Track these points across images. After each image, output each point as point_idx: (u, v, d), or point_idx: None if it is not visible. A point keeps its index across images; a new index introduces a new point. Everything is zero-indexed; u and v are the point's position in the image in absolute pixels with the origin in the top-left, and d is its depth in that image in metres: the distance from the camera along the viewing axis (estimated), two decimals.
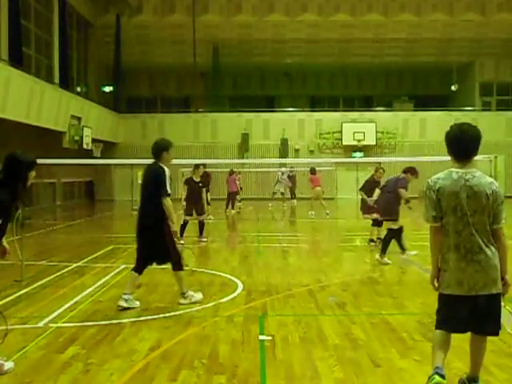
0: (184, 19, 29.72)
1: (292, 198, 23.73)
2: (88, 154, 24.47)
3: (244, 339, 5.09)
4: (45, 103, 19.86)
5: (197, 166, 12.11)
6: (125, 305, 6.14)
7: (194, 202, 11.93)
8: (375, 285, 7.55)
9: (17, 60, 18.80)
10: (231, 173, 20.04)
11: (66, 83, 23.51)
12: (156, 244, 6.28)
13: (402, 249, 9.47)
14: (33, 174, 4.37)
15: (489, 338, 5.02)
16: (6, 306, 6.38)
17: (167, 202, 6.16)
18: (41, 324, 5.58)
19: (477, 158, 8.39)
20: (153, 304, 6.47)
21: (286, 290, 7.18)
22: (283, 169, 23.49)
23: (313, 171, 19.77)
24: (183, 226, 11.88)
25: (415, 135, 30.82)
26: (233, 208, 19.68)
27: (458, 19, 30.65)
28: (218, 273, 8.40)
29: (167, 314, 5.98)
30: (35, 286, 7.49)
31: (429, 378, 3.62)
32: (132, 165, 25.46)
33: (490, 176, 8.49)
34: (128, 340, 5.07)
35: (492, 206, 3.60)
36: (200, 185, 12.03)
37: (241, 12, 30.27)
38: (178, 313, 6.04)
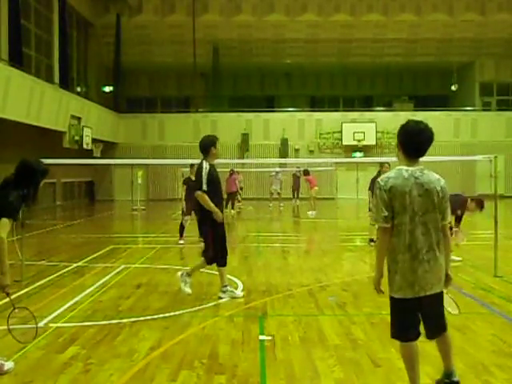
0: (184, 19, 29.73)
1: (294, 198, 23.75)
2: (88, 153, 24.47)
3: (244, 339, 5.09)
4: (45, 103, 19.86)
5: (192, 166, 12.13)
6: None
7: (193, 202, 11.91)
8: None
9: (17, 60, 18.80)
10: (231, 173, 20.07)
11: (66, 83, 23.51)
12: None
13: None
14: (43, 181, 4.56)
15: (490, 338, 5.05)
16: (6, 305, 6.39)
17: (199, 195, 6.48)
18: (41, 324, 5.58)
19: (477, 157, 8.51)
20: (153, 304, 6.46)
21: (286, 290, 7.18)
22: (277, 169, 23.47)
23: (306, 173, 19.88)
24: (183, 226, 11.92)
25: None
26: (233, 208, 19.70)
27: (458, 19, 30.66)
28: None
29: (167, 314, 5.98)
30: (35, 286, 7.49)
31: None
32: (132, 165, 25.50)
33: (491, 176, 8.46)
34: (128, 340, 5.07)
35: (441, 203, 3.56)
36: None
37: (241, 12, 30.28)
38: (177, 313, 6.04)
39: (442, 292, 3.63)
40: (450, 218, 3.69)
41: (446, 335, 3.74)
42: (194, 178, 11.97)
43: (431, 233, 3.52)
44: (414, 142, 3.62)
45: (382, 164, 11.59)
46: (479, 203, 8.81)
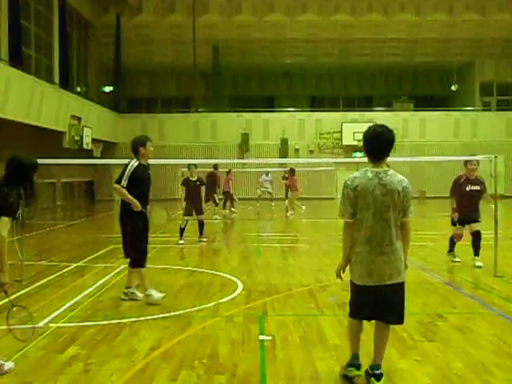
0: (184, 19, 29.73)
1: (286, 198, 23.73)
2: (88, 153, 24.47)
3: (244, 339, 5.09)
4: (45, 103, 19.86)
5: (189, 166, 12.23)
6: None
7: (193, 202, 11.96)
8: None
9: (17, 60, 18.80)
10: (228, 172, 20.04)
11: (66, 83, 23.51)
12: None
13: None
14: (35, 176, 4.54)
15: (490, 338, 5.05)
16: (6, 306, 6.38)
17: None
18: (41, 324, 5.58)
19: (477, 157, 8.54)
20: (153, 304, 6.45)
21: (286, 290, 7.18)
22: (268, 169, 23.40)
23: (293, 173, 19.93)
24: (182, 227, 11.98)
25: (415, 135, 30.83)
26: (233, 207, 19.63)
27: (458, 19, 30.67)
28: (218, 273, 8.40)
29: (167, 314, 5.98)
30: (35, 286, 7.49)
31: (346, 368, 4.08)
32: None
33: (491, 176, 8.43)
34: (128, 340, 5.07)
35: (402, 202, 3.86)
36: (197, 183, 12.05)
37: (241, 12, 30.28)
38: (177, 313, 6.04)
39: (402, 283, 3.93)
40: (412, 216, 3.98)
41: (387, 328, 4.00)
42: (192, 179, 12.03)
43: (391, 228, 3.85)
44: (373, 146, 3.97)
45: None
46: None
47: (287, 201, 23.06)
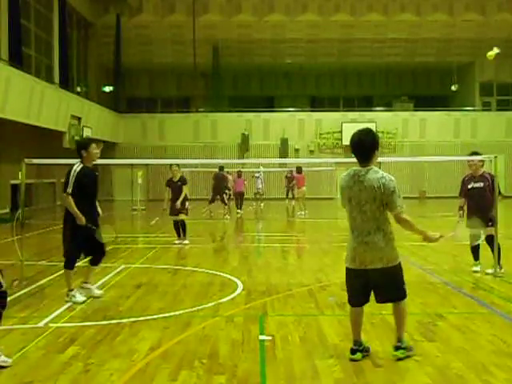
0: (184, 19, 29.74)
1: (287, 198, 23.77)
2: None
3: (244, 339, 5.08)
4: (45, 103, 19.87)
5: (170, 167, 12.04)
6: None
7: (175, 202, 11.68)
8: None
9: (17, 60, 18.80)
10: (239, 174, 19.93)
11: (66, 83, 23.52)
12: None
13: None
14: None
15: (490, 338, 5.06)
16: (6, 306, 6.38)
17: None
18: (41, 324, 5.58)
19: (477, 157, 8.60)
20: (153, 304, 6.46)
21: (286, 290, 7.18)
22: (261, 168, 23.38)
23: (299, 170, 19.83)
24: (176, 226, 11.82)
25: (415, 135, 30.83)
26: (240, 208, 19.55)
27: (458, 19, 30.67)
28: (218, 273, 8.40)
29: (167, 314, 5.98)
30: (35, 286, 7.48)
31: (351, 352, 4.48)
32: (132, 165, 25.51)
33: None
34: (128, 340, 5.07)
35: (382, 196, 4.27)
36: (179, 183, 11.74)
37: (241, 12, 30.28)
38: (177, 313, 6.04)
39: (391, 268, 4.36)
40: (400, 208, 4.31)
41: (396, 306, 4.50)
42: (175, 179, 11.85)
43: (370, 221, 4.33)
44: (356, 151, 4.47)
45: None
46: None
47: (293, 201, 23.08)
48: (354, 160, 4.56)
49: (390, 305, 5.00)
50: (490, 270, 8.02)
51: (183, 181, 11.89)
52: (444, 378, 4.15)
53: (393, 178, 4.35)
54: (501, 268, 7.97)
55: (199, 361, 4.50)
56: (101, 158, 7.35)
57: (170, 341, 5.03)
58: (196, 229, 12.46)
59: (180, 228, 11.89)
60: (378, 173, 4.33)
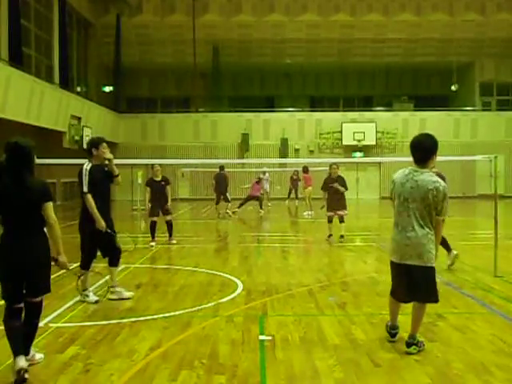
0: (184, 19, 29.73)
1: (288, 198, 23.75)
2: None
3: (244, 339, 5.09)
4: (45, 103, 19.86)
5: (152, 167, 11.93)
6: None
7: (159, 203, 11.59)
8: (375, 285, 7.55)
9: (17, 60, 18.80)
10: (258, 181, 19.83)
11: (66, 83, 23.51)
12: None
13: None
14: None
15: (490, 338, 5.06)
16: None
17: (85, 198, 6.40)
18: (41, 324, 5.57)
19: (477, 157, 8.69)
20: (153, 304, 6.46)
21: (286, 290, 7.18)
22: (265, 168, 23.36)
23: (305, 170, 19.80)
24: (152, 227, 11.67)
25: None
26: (261, 208, 19.52)
27: (458, 19, 30.66)
28: (218, 273, 8.40)
29: (167, 314, 5.98)
30: None
31: (389, 334, 4.92)
32: (132, 165, 25.47)
33: (490, 176, 8.46)
34: (128, 340, 5.07)
35: (432, 199, 4.49)
36: (162, 183, 11.65)
37: (241, 12, 30.28)
38: (177, 313, 6.04)
39: (429, 267, 4.56)
40: (445, 216, 4.60)
41: (421, 307, 4.66)
42: (157, 179, 11.75)
43: (415, 217, 4.54)
44: (413, 153, 4.75)
45: (330, 165, 12.32)
46: None
47: (297, 201, 23.06)
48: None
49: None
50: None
51: (166, 181, 11.78)
52: (444, 378, 4.16)
53: (446, 185, 4.61)
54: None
55: (199, 361, 4.50)
56: None
57: (169, 341, 5.03)
58: (196, 229, 12.45)
59: (168, 228, 11.86)
60: (433, 176, 4.59)
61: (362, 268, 9.17)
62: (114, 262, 6.81)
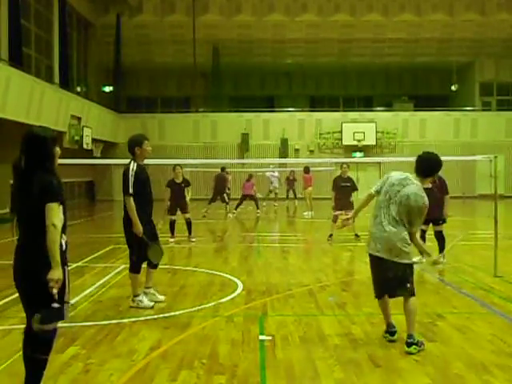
0: (184, 19, 29.73)
1: (288, 198, 23.71)
2: (88, 153, 24.46)
3: (244, 339, 5.09)
4: (45, 103, 19.86)
5: (174, 168, 12.14)
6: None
7: (177, 202, 11.91)
8: None
9: (17, 60, 18.79)
10: (248, 178, 19.89)
11: (66, 83, 23.51)
12: (127, 243, 6.38)
13: None
14: (58, 149, 3.86)
15: (490, 338, 5.06)
16: (6, 305, 6.39)
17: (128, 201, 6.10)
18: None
19: (477, 157, 8.79)
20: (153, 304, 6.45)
21: (286, 290, 7.18)
22: (271, 167, 23.37)
23: (306, 170, 19.81)
24: (172, 225, 11.97)
25: (415, 135, 30.81)
26: (258, 208, 19.53)
27: (458, 19, 30.65)
28: (218, 273, 8.40)
29: (167, 314, 5.98)
30: None
31: (384, 334, 5.00)
32: None
33: (491, 176, 8.48)
34: (128, 340, 5.07)
35: (410, 212, 4.73)
36: (183, 185, 11.97)
37: (241, 12, 30.27)
38: (177, 313, 6.04)
39: (397, 263, 4.69)
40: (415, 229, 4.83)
41: (404, 303, 4.77)
42: (177, 181, 11.95)
43: (391, 216, 4.74)
44: (417, 163, 4.96)
45: (341, 165, 12.60)
46: None
47: (296, 201, 23.01)
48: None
49: (389, 304, 5.00)
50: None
51: (186, 183, 12.16)
52: (444, 378, 4.15)
53: (427, 203, 4.74)
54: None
55: (199, 361, 4.50)
56: (101, 158, 7.26)
57: (169, 341, 5.03)
58: (196, 229, 12.45)
59: (187, 226, 12.21)
60: (422, 192, 4.75)
61: (362, 268, 9.15)
62: (151, 264, 6.54)
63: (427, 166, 4.88)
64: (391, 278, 4.74)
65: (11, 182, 4.12)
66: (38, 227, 3.58)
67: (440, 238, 8.91)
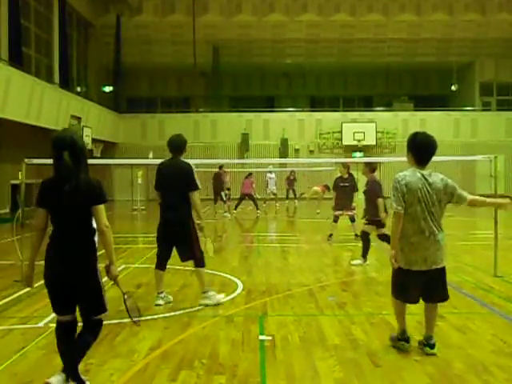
0: (184, 19, 29.73)
1: (294, 198, 23.72)
2: (88, 153, 24.44)
3: (244, 339, 5.09)
4: (45, 103, 19.86)
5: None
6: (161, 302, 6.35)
7: None
8: (375, 285, 7.55)
9: (17, 60, 18.79)
10: (247, 176, 19.91)
11: (66, 83, 23.51)
12: (183, 240, 6.35)
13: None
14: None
15: (490, 338, 5.05)
16: (6, 305, 6.39)
17: (196, 196, 6.24)
18: (41, 324, 5.58)
19: (477, 157, 8.70)
20: (153, 304, 6.46)
21: (286, 290, 7.18)
22: (271, 167, 23.36)
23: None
24: None
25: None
26: (257, 208, 19.53)
27: (458, 19, 30.66)
28: (218, 273, 8.40)
29: (167, 314, 5.98)
30: (35, 286, 7.44)
31: (397, 342, 4.74)
32: (132, 165, 25.50)
33: (491, 176, 8.47)
34: (128, 340, 5.07)
35: (448, 192, 4.51)
36: None
37: (241, 12, 30.28)
38: (177, 313, 6.04)
39: (444, 268, 4.56)
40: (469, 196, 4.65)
41: (436, 307, 4.71)
42: None
43: (437, 221, 4.50)
44: (423, 153, 4.62)
45: (343, 164, 12.69)
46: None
47: (296, 201, 23.01)
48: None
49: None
50: (354, 262, 9.14)
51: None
52: (444, 377, 4.15)
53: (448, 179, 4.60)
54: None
55: (199, 361, 4.50)
56: (101, 157, 7.26)
57: (169, 341, 5.03)
58: None
59: None
60: (438, 175, 4.57)
61: (362, 268, 9.17)
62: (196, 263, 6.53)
63: (434, 150, 4.71)
64: (440, 285, 4.59)
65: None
66: (85, 228, 3.90)
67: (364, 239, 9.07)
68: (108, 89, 32.15)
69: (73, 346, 3.82)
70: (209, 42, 30.85)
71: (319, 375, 4.20)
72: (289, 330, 5.37)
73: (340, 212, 11.97)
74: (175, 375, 4.20)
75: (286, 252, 11.04)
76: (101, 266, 3.99)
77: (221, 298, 6.52)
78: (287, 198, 23.41)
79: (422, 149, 4.62)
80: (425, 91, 35.51)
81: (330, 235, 12.02)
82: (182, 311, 6.11)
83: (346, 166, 12.40)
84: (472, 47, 32.23)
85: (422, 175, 4.49)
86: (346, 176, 12.29)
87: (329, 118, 31.08)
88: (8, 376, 4.20)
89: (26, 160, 7.83)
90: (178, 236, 6.37)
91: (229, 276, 8.10)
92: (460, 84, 34.12)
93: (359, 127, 30.41)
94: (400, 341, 4.73)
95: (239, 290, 7.16)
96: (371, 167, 9.23)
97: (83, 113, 24.04)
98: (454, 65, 33.01)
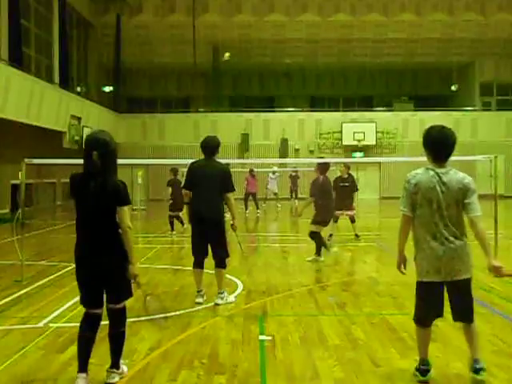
0: (184, 19, 29.73)
1: (292, 198, 23.69)
2: None
3: (244, 339, 5.09)
4: (45, 103, 19.86)
5: (173, 169, 13.49)
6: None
7: (180, 200, 12.15)
8: (375, 285, 7.55)
9: (17, 60, 18.80)
10: (253, 174, 19.86)
11: (66, 83, 23.51)
12: (217, 240, 6.52)
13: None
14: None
15: (490, 338, 5.04)
16: (6, 306, 6.39)
17: (232, 197, 6.48)
18: (41, 324, 5.58)
19: (477, 158, 8.61)
20: (153, 304, 6.43)
21: (286, 290, 7.18)
22: (275, 168, 23.35)
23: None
24: (171, 221, 13.43)
25: (415, 135, 30.71)
26: (258, 208, 19.52)
27: (458, 19, 30.67)
28: None
29: (167, 314, 5.98)
30: (35, 285, 7.48)
31: (414, 372, 4.10)
32: (132, 165, 25.47)
33: (491, 176, 8.43)
34: (128, 340, 5.06)
35: (464, 198, 3.88)
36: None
37: (241, 12, 30.28)
38: (177, 313, 6.04)
39: (471, 279, 3.97)
40: (478, 213, 3.95)
41: (473, 327, 4.04)
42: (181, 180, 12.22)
43: (455, 226, 3.93)
44: (440, 149, 4.05)
45: (342, 165, 12.85)
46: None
47: (296, 201, 22.96)
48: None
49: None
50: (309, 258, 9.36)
51: None
52: (444, 378, 4.15)
53: (472, 180, 3.98)
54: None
55: (199, 361, 4.50)
56: None
57: (169, 341, 5.03)
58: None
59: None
60: (458, 173, 3.97)
61: (362, 268, 9.18)
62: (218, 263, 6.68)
63: (453, 144, 4.12)
64: (468, 300, 3.98)
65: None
66: (110, 227, 4.08)
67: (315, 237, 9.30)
68: (108, 89, 32.15)
69: (112, 341, 4.22)
70: (209, 42, 30.85)
71: (319, 375, 4.20)
72: (289, 329, 5.37)
73: (340, 212, 11.96)
74: (175, 375, 4.20)
75: (286, 252, 11.04)
76: None
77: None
78: (291, 197, 23.29)
79: (438, 144, 4.07)
80: (425, 91, 35.49)
81: (330, 235, 12.01)
82: (182, 311, 6.11)
83: (346, 165, 12.41)
84: (472, 47, 32.23)
85: (436, 173, 3.93)
86: (346, 176, 12.28)
87: (329, 118, 31.08)
88: (8, 376, 4.20)
89: (26, 160, 7.82)
90: (212, 235, 6.50)
91: (229, 276, 8.09)
92: (460, 84, 34.11)
93: (359, 127, 30.40)
94: (417, 371, 4.12)
95: (239, 290, 7.16)
96: (323, 168, 9.43)
97: (83, 113, 24.04)
98: (454, 65, 33.00)
